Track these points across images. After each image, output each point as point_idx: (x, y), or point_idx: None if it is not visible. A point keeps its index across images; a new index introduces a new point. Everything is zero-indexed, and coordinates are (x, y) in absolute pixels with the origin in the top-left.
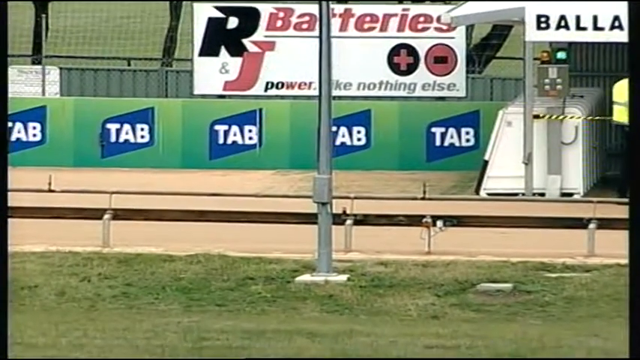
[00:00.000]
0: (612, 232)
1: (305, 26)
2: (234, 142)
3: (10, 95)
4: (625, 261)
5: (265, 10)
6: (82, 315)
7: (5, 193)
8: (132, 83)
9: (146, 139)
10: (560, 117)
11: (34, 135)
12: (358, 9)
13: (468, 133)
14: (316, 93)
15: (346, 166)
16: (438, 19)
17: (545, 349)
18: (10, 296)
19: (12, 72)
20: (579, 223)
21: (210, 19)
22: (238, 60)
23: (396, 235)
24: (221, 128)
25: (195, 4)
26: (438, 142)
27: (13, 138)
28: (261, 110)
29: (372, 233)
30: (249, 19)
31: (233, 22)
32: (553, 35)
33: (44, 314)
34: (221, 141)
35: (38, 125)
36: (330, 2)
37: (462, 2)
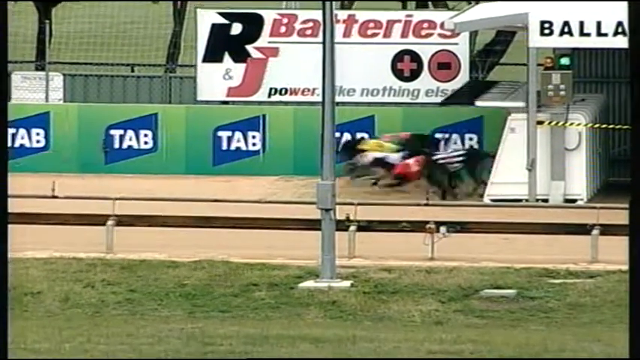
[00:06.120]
0: (615, 238)
1: (308, 32)
2: (237, 149)
3: (13, 101)
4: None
5: (269, 16)
6: (85, 321)
7: (5, 199)
8: (135, 89)
9: (150, 145)
10: (564, 123)
11: (38, 141)
12: (362, 15)
13: (471, 139)
14: (320, 99)
15: None
16: (442, 26)
17: (549, 355)
18: (14, 302)
19: (15, 78)
20: (583, 229)
21: (213, 25)
22: (242, 66)
23: (399, 241)
24: (224, 134)
25: (199, 10)
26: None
27: (17, 144)
28: (264, 116)
29: (376, 239)
30: (253, 26)
31: (237, 29)
32: (557, 41)
33: (48, 320)
34: (224, 147)
35: (42, 131)
36: (334, 8)
37: (465, 8)
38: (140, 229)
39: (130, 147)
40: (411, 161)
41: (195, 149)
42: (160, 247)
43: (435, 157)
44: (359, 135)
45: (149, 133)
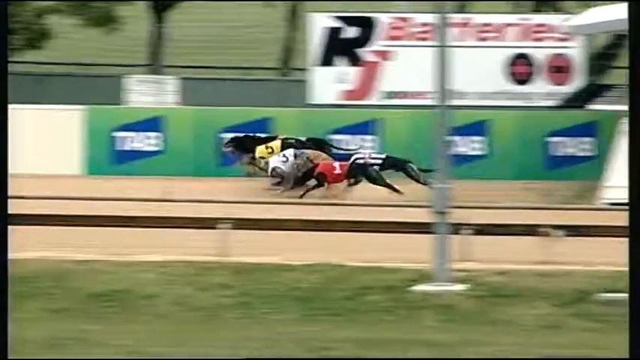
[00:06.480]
0: None
1: (422, 36)
2: None
3: (129, 105)
4: None
5: (383, 19)
6: (199, 324)
7: (5, 201)
8: (249, 93)
9: None
10: None
11: (154, 144)
12: (477, 19)
13: (586, 142)
14: (433, 102)
15: (464, 176)
16: (557, 29)
17: None
18: (129, 305)
19: (130, 81)
20: None
21: (327, 29)
22: (355, 69)
23: (513, 245)
24: (338, 137)
25: (313, 14)
26: (556, 152)
27: (132, 148)
28: (378, 120)
29: (490, 243)
30: (366, 29)
31: (350, 32)
32: None
33: (161, 323)
34: None
35: (158, 135)
36: (449, 12)
37: (581, 12)
38: (255, 232)
39: None
40: (335, 164)
41: None
42: (275, 250)
43: (356, 159)
44: (473, 138)
45: (263, 136)
